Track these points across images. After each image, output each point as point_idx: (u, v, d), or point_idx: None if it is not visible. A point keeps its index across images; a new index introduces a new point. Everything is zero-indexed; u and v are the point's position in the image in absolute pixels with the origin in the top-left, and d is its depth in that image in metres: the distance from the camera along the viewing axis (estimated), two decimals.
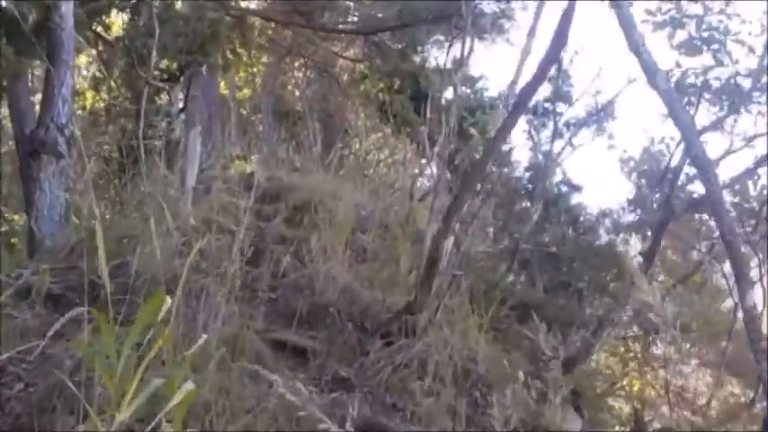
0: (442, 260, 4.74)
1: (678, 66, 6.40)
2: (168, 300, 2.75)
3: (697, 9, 6.03)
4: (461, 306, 5.40)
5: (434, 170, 8.82)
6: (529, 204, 9.43)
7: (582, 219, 9.98)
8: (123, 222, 5.71)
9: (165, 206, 5.22)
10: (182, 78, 9.65)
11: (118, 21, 10.14)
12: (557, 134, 9.54)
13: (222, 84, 12.95)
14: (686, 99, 6.20)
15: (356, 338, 4.64)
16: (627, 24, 3.53)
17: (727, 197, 7.34)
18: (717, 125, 6.63)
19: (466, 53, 7.47)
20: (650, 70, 3.51)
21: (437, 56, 11.79)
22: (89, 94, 10.56)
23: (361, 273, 5.50)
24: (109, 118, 10.09)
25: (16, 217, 8.90)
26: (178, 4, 9.65)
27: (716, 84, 6.24)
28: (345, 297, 5.01)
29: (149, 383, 2.53)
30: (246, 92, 14.42)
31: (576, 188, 10.03)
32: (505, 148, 9.53)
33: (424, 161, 9.75)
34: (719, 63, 6.15)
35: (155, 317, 2.64)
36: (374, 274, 5.50)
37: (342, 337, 4.61)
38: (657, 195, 8.29)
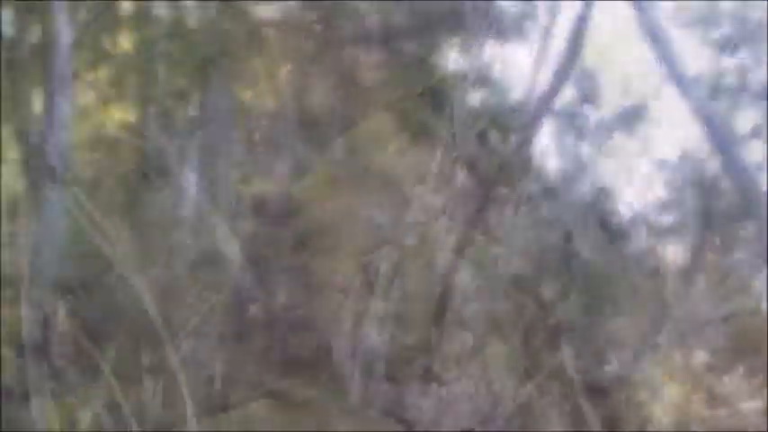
0: (454, 292, 4.33)
1: (713, 65, 5.99)
2: None
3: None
4: (483, 337, 4.99)
5: (455, 183, 8.44)
6: (558, 213, 9.04)
7: (616, 227, 9.57)
8: (121, 253, 5.42)
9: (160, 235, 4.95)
10: (195, 94, 9.45)
11: (126, 37, 9.93)
12: (585, 138, 9.16)
13: (240, 96, 12.73)
14: (722, 103, 5.79)
15: (362, 386, 4.22)
16: (655, 36, 3.07)
17: None
18: (757, 132, 6.21)
19: (487, 57, 7.16)
20: (682, 81, 3.06)
21: (457, 60, 11.43)
22: (99, 113, 10.36)
23: (369, 307, 5.10)
24: (119, 138, 9.89)
25: None
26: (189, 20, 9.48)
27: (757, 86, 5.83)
28: (351, 337, 4.61)
29: None
30: (265, 102, 14.16)
31: (608, 194, 9.62)
32: (533, 154, 9.20)
33: (445, 170, 9.40)
34: (760, 62, 5.74)
35: None
36: (385, 308, 5.09)
37: (346, 384, 4.21)
38: (695, 202, 7.93)
